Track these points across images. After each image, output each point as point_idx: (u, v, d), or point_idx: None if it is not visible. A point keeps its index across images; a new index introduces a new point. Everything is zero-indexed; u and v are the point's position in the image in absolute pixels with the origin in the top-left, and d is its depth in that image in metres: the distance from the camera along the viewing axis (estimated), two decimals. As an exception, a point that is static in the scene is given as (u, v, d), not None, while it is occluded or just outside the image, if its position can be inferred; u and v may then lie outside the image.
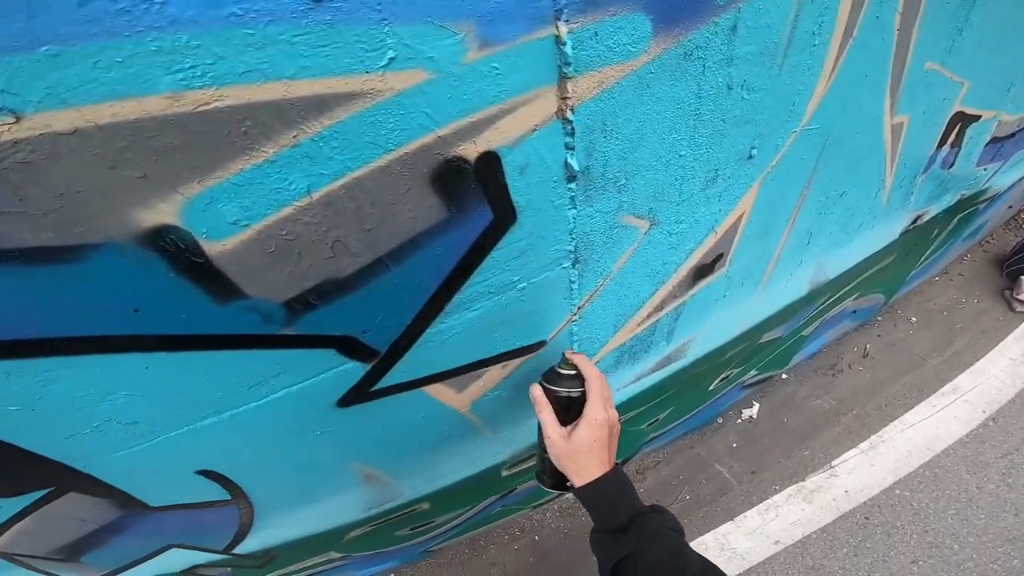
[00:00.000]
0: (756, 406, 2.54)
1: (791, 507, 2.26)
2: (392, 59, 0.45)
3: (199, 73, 0.40)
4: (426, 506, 1.50)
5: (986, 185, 1.82)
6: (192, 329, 0.58)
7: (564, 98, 0.57)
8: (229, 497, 0.98)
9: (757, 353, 1.89)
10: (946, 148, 1.30)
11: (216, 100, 0.42)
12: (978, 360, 2.49)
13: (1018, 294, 2.53)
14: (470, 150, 0.56)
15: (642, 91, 0.63)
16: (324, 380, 0.73)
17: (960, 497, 2.19)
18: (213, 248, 0.51)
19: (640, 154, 0.70)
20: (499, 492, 1.75)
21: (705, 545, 2.17)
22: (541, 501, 2.31)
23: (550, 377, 0.78)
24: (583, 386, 0.75)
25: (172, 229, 0.48)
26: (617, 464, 0.74)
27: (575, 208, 0.70)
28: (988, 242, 2.95)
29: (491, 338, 0.83)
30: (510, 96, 0.54)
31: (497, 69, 0.51)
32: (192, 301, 0.55)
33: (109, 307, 0.52)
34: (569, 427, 0.74)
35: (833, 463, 2.36)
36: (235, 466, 0.87)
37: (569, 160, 0.63)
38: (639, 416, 1.72)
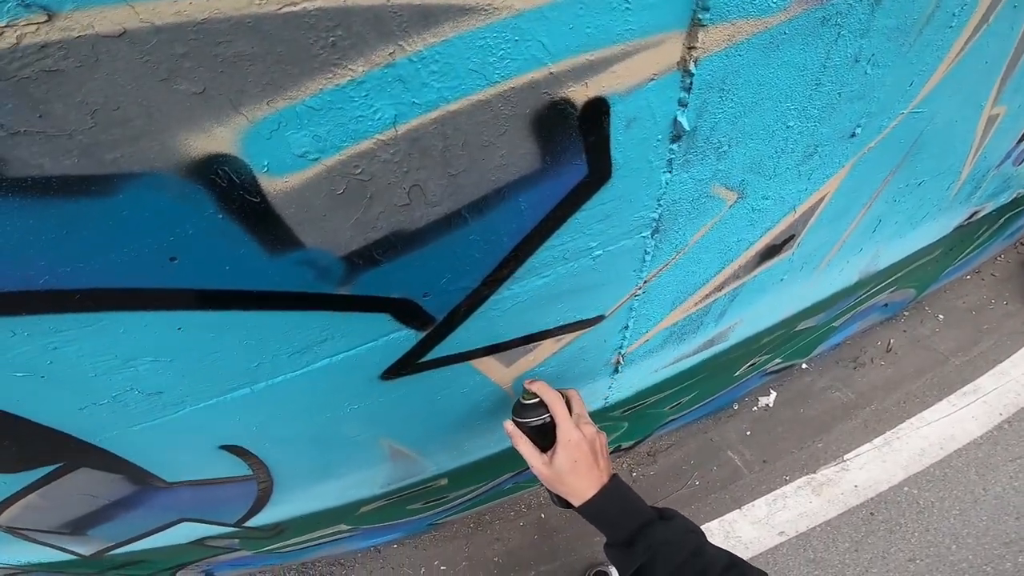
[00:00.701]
0: (773, 395, 2.51)
1: (799, 499, 2.27)
2: None
3: None
4: (444, 482, 1.48)
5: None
6: (236, 284, 0.50)
7: (691, 47, 0.49)
8: (250, 473, 0.93)
9: (790, 340, 1.84)
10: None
11: (306, 0, 0.33)
12: (1002, 362, 2.46)
13: (1054, 298, 2.48)
14: (579, 93, 0.47)
15: (770, 52, 0.54)
16: (372, 349, 0.66)
17: (966, 498, 2.20)
18: (273, 185, 0.43)
19: (750, 120, 0.61)
20: (516, 469, 1.73)
21: (711, 532, 2.18)
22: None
23: (517, 410, 0.78)
24: (548, 411, 0.75)
25: (227, 159, 0.40)
26: (614, 476, 0.73)
27: (670, 172, 0.62)
28: (1023, 243, 2.88)
29: (553, 309, 0.77)
30: (635, 36, 0.45)
31: (628, 3, 0.42)
32: (240, 250, 0.47)
33: (141, 254, 0.44)
34: (549, 453, 0.74)
35: (846, 457, 2.35)
36: (261, 441, 0.81)
37: (679, 118, 0.55)
38: (664, 399, 1.68)
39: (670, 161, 0.61)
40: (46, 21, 0.29)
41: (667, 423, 2.19)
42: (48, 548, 1.10)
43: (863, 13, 0.55)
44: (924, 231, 1.44)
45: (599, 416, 1.47)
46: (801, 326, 1.74)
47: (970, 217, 1.58)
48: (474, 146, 0.47)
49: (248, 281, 0.51)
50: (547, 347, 0.87)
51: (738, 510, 2.23)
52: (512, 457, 1.49)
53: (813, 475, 2.31)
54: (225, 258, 0.47)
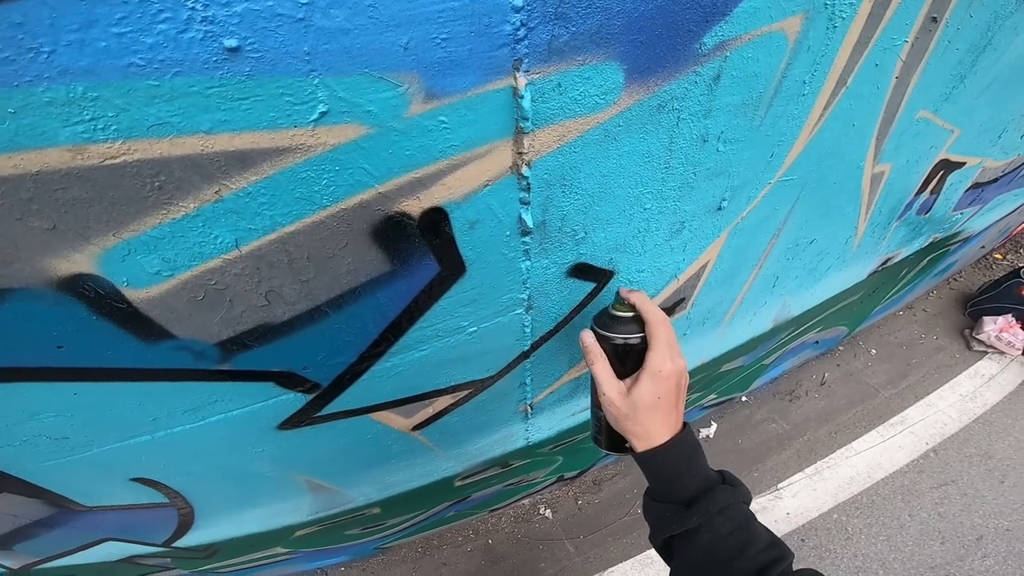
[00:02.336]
0: (714, 426, 2.60)
1: (735, 525, 2.34)
2: (324, 113, 0.42)
3: (101, 126, 0.37)
4: (377, 511, 1.50)
5: (961, 228, 1.86)
6: (119, 363, 0.55)
7: (520, 153, 0.54)
8: (167, 500, 0.96)
9: (716, 381, 1.92)
10: (925, 194, 1.31)
11: (123, 154, 0.38)
12: (929, 394, 2.60)
13: (977, 334, 2.63)
14: (414, 206, 0.53)
15: (607, 145, 0.59)
16: (264, 408, 0.71)
17: (892, 524, 2.30)
18: (136, 295, 0.48)
19: (602, 208, 0.68)
20: (452, 500, 1.76)
21: (651, 559, 2.25)
22: (497, 507, 2.34)
23: (603, 321, 0.67)
24: (643, 331, 0.64)
25: (90, 277, 0.45)
26: (686, 424, 0.65)
27: (529, 260, 0.68)
28: (956, 280, 3.04)
29: (440, 373, 0.82)
30: (459, 151, 0.51)
31: (445, 123, 0.48)
32: (117, 340, 0.52)
33: (32, 343, 0.49)
34: (628, 380, 0.64)
35: (779, 485, 2.45)
36: (172, 475, 0.85)
37: (523, 215, 0.61)
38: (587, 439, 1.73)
39: (527, 251, 0.67)
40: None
41: (606, 455, 2.24)
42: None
43: (701, 94, 0.59)
44: (832, 281, 1.53)
45: (526, 453, 1.52)
46: (725, 367, 1.82)
47: (884, 263, 1.68)
48: (319, 258, 0.52)
49: (130, 361, 0.55)
50: (444, 401, 0.92)
51: (677, 538, 2.29)
52: (442, 489, 1.53)
53: (749, 503, 2.39)
54: (105, 346, 0.52)
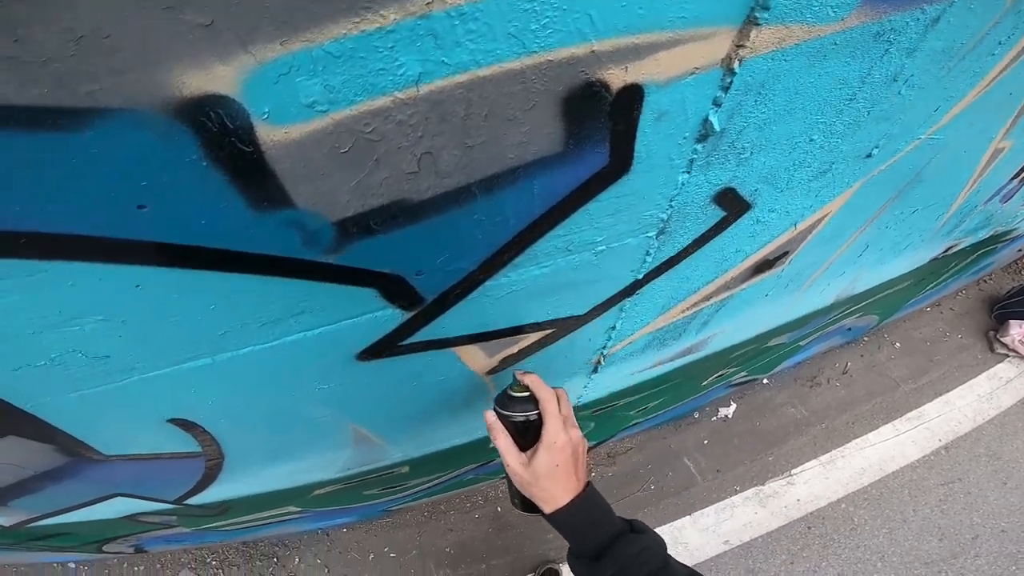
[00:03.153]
0: (733, 406, 2.59)
1: (746, 509, 2.36)
2: None
3: None
4: (405, 469, 1.45)
5: (1019, 224, 1.83)
6: (211, 241, 0.45)
7: (739, 46, 0.46)
8: (199, 450, 0.87)
9: (759, 355, 1.89)
10: (1015, 182, 1.27)
11: None
12: (948, 392, 2.62)
13: (1002, 336, 2.65)
14: (617, 77, 0.44)
15: (816, 61, 0.52)
16: (353, 326, 0.62)
17: (896, 518, 2.34)
18: (271, 134, 0.38)
19: (777, 128, 0.60)
20: (479, 461, 1.71)
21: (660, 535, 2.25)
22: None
23: (503, 401, 0.73)
24: (538, 407, 0.71)
25: (224, 101, 0.35)
26: (588, 484, 0.71)
27: (688, 173, 0.60)
28: (985, 281, 3.06)
29: (546, 302, 0.74)
30: (686, 26, 0.43)
31: None
32: (220, 204, 0.42)
33: (105, 199, 0.38)
34: (529, 452, 0.70)
35: (793, 471, 2.46)
36: (216, 417, 0.76)
37: (711, 117, 0.53)
38: (634, 402, 1.69)
39: (691, 161, 0.59)
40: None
41: (630, 426, 2.22)
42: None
43: (916, 32, 0.54)
44: (903, 261, 1.49)
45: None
46: (772, 342, 1.79)
47: (946, 250, 1.64)
48: (498, 118, 0.43)
49: (225, 239, 0.46)
50: (533, 340, 0.84)
51: (688, 516, 2.30)
52: (478, 449, 1.48)
53: (761, 487, 2.40)
54: (202, 211, 0.42)
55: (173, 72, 0.33)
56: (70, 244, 0.41)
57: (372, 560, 2.26)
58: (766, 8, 0.43)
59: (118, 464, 0.85)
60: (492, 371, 0.90)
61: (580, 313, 0.82)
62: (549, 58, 0.41)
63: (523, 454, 0.71)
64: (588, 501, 0.69)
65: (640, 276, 0.79)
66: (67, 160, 0.35)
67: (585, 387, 1.25)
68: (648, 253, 0.73)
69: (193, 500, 1.18)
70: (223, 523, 1.65)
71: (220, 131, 0.37)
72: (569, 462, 0.69)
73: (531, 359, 0.91)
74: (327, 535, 2.33)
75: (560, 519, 0.68)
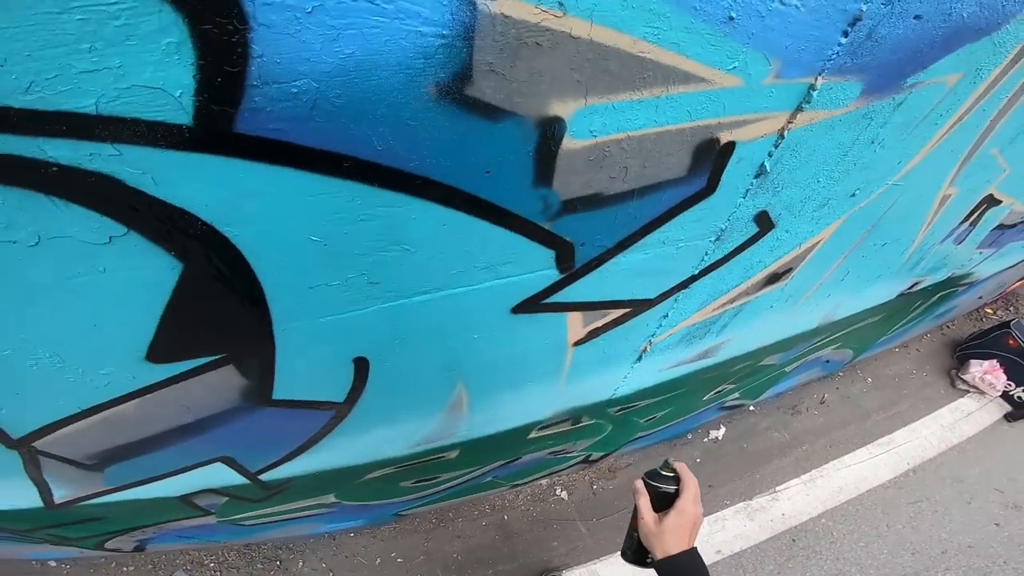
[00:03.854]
0: (723, 429, 3.01)
1: (736, 522, 2.73)
2: (736, 67, 0.73)
3: (656, 31, 0.65)
4: (454, 455, 1.74)
5: (974, 269, 2.36)
6: (502, 200, 0.77)
7: (789, 122, 0.87)
8: (341, 399, 1.14)
9: (753, 374, 2.31)
10: (965, 225, 1.75)
11: (646, 52, 0.66)
12: (915, 421, 3.12)
13: (963, 374, 3.19)
14: (725, 137, 0.84)
15: (827, 131, 0.93)
16: (528, 280, 0.95)
17: (871, 532, 2.76)
18: (568, 143, 0.72)
19: (799, 173, 1.01)
20: (513, 456, 2.02)
21: (657, 542, 2.58)
22: (521, 482, 2.60)
23: (652, 474, 1.04)
24: (678, 485, 1.00)
25: (557, 121, 0.69)
26: (694, 548, 0.96)
27: (744, 198, 1.00)
28: (948, 327, 3.65)
29: (634, 283, 1.11)
30: (766, 111, 0.82)
31: (772, 93, 0.79)
32: (521, 177, 0.75)
33: (469, 162, 0.68)
34: (660, 514, 0.97)
35: (777, 488, 2.87)
36: (386, 357, 1.04)
37: (766, 162, 0.94)
38: (649, 407, 2.06)
39: (747, 190, 0.99)
40: (561, 16, 0.61)
41: (636, 439, 2.58)
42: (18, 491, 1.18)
43: (889, 112, 0.95)
44: (875, 291, 1.96)
45: (600, 409, 1.83)
46: (766, 361, 2.21)
47: (912, 286, 2.13)
48: (664, 152, 0.81)
49: (510, 200, 0.78)
50: (614, 317, 1.21)
51: (684, 527, 2.65)
52: (518, 439, 1.80)
53: (749, 502, 2.79)
54: (512, 182, 0.75)
55: (547, 101, 0.66)
56: (435, 189, 0.70)
57: (379, 565, 2.48)
58: (808, 102, 0.84)
59: (263, 413, 1.09)
60: (578, 342, 1.26)
61: (651, 297, 1.20)
62: (697, 124, 0.80)
63: (656, 514, 0.98)
64: (692, 556, 0.94)
65: (696, 272, 1.18)
66: (480, 138, 0.67)
67: (625, 378, 1.61)
68: (706, 254, 1.12)
69: (271, 474, 1.43)
70: (258, 513, 1.86)
71: (546, 136, 0.71)
72: (689, 527, 0.96)
73: (606, 335, 1.27)
74: (333, 539, 2.54)
75: (668, 563, 0.93)
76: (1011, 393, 3.08)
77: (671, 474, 1.03)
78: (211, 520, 1.85)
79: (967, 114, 1.12)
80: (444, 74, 0.57)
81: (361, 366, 1.06)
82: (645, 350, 1.46)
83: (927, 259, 1.90)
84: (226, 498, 1.63)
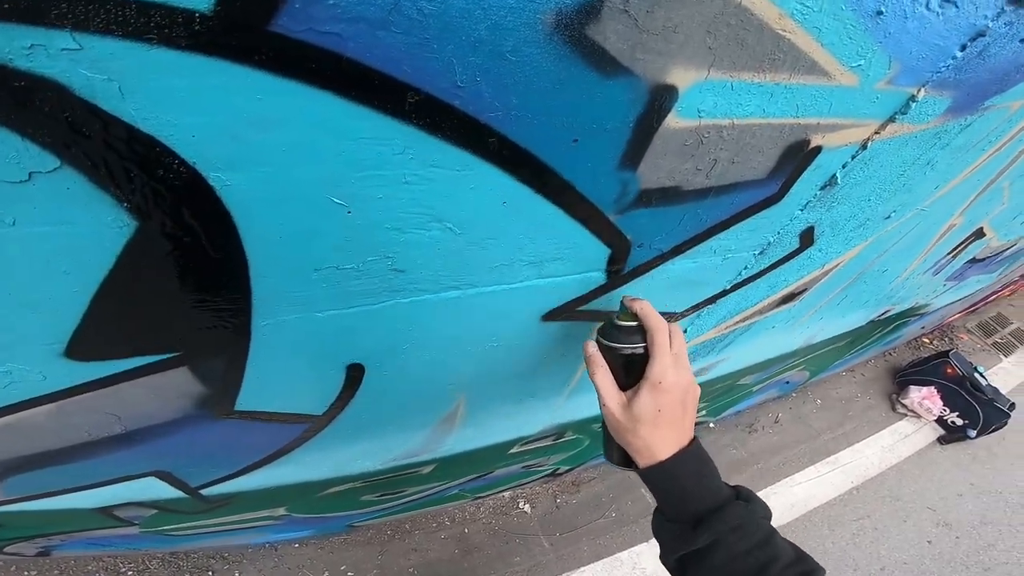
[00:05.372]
0: (685, 442, 2.96)
1: (695, 537, 2.67)
2: (859, 65, 0.60)
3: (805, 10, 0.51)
4: (428, 469, 1.55)
5: (933, 300, 2.40)
6: (578, 179, 0.61)
7: (876, 132, 0.76)
8: (321, 413, 0.93)
9: (727, 393, 2.25)
10: (948, 256, 1.74)
11: (787, 32, 0.52)
12: (858, 442, 3.18)
13: (903, 399, 3.30)
14: (816, 140, 0.71)
15: (900, 147, 0.83)
16: (573, 282, 0.79)
17: (818, 549, 2.76)
18: (673, 121, 0.58)
19: (858, 189, 0.90)
20: (487, 470, 1.85)
21: (620, 561, 2.47)
22: (484, 494, 2.42)
23: (606, 330, 0.69)
24: (646, 340, 0.66)
25: (671, 90, 0.54)
26: (695, 439, 0.65)
27: (802, 210, 0.89)
28: (890, 354, 3.79)
29: (668, 295, 0.96)
30: (864, 117, 0.71)
31: (877, 98, 0.68)
32: (611, 153, 0.59)
33: (557, 126, 0.53)
34: (630, 392, 0.65)
35: (735, 505, 2.84)
36: (383, 367, 0.85)
37: (838, 173, 0.82)
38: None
39: (807, 203, 0.87)
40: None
41: (600, 455, 2.46)
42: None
43: (955, 134, 0.87)
44: (855, 316, 1.93)
45: (584, 424, 1.69)
46: (742, 381, 2.15)
47: (882, 314, 2.13)
48: (755, 149, 0.68)
49: (584, 180, 0.61)
50: (636, 331, 1.07)
51: (646, 543, 2.55)
52: (497, 454, 1.62)
53: (710, 518, 2.74)
54: (596, 155, 0.58)
55: (667, 68, 0.51)
56: (508, 153, 0.52)
57: (327, 579, 2.24)
58: (904, 113, 0.73)
59: (218, 426, 0.85)
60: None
61: (678, 311, 1.06)
62: (801, 122, 0.67)
63: (623, 393, 0.65)
64: (693, 457, 0.63)
65: (728, 287, 1.06)
66: (585, 97, 0.50)
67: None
68: (745, 267, 1.00)
69: (216, 489, 1.19)
70: (191, 524, 1.61)
71: (652, 107, 0.55)
72: (675, 407, 0.63)
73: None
74: (275, 549, 2.27)
75: (657, 475, 0.62)
76: (946, 418, 3.20)
77: (633, 323, 0.68)
78: (133, 531, 1.58)
79: (1007, 143, 1.06)
80: (571, 0, 0.40)
81: (354, 374, 0.86)
82: (652, 367, 1.32)
83: (907, 288, 1.89)
84: (155, 511, 1.37)
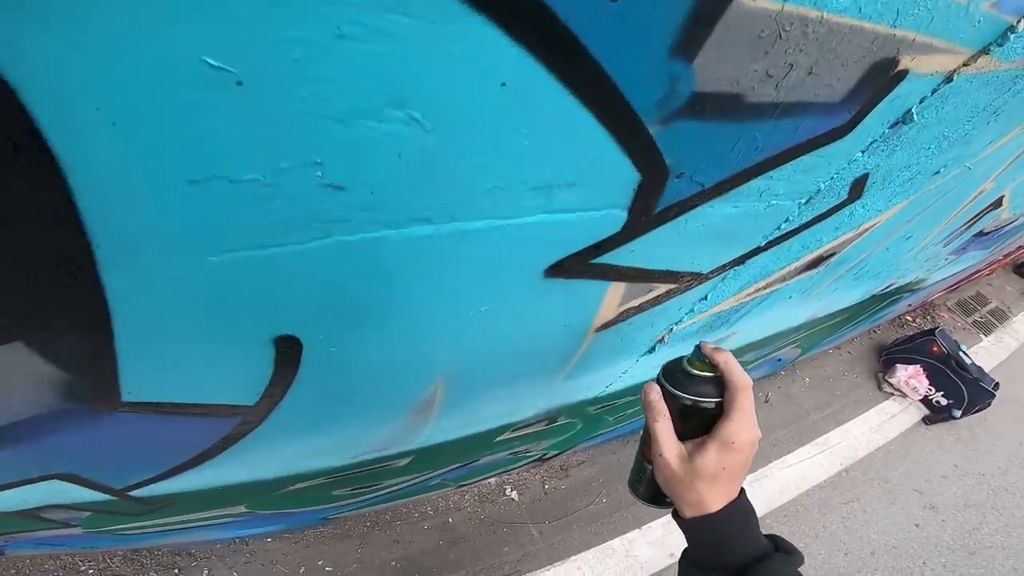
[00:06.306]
0: (675, 424, 2.86)
1: (686, 522, 2.59)
2: None
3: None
4: (404, 462, 1.39)
5: (931, 274, 2.33)
6: (611, 63, 0.43)
7: (965, 64, 0.63)
8: (254, 404, 0.73)
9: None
10: (965, 226, 1.65)
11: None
12: (847, 422, 3.14)
13: (889, 377, 3.26)
14: (905, 61, 0.57)
15: (981, 86, 0.70)
16: (589, 221, 0.62)
17: (809, 533, 2.72)
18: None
19: (925, 132, 0.77)
20: (472, 459, 1.70)
21: (612, 549, 2.37)
22: (468, 482, 2.28)
23: (675, 377, 0.61)
24: (721, 396, 0.59)
25: None
26: (742, 491, 0.61)
27: (863, 152, 0.75)
28: (875, 332, 3.75)
29: (699, 249, 0.81)
30: (959, 43, 0.59)
31: (979, 22, 0.56)
32: (663, 29, 0.43)
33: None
34: (690, 444, 0.59)
35: (727, 488, 2.77)
36: (331, 342, 0.65)
37: (913, 109, 0.69)
38: (625, 405, 1.81)
39: (872, 143, 0.74)
40: None
41: (598, 435, 2.34)
42: None
43: None
44: (864, 288, 1.83)
45: (580, 408, 1.55)
46: (743, 358, 2.05)
47: (886, 287, 2.04)
48: (838, 60, 0.53)
49: (621, 65, 0.44)
50: (657, 292, 0.93)
51: (638, 530, 2.45)
52: (483, 442, 1.47)
53: (701, 502, 2.66)
54: (643, 30, 0.42)
55: None
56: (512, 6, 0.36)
57: (303, 574, 2.08)
58: (1000, 45, 0.60)
59: (113, 420, 0.65)
60: (603, 326, 0.96)
61: (704, 271, 0.92)
62: (896, 33, 0.52)
63: (682, 445, 0.60)
64: (740, 509, 0.59)
65: (762, 243, 0.92)
66: None
67: (624, 373, 1.34)
68: (787, 220, 0.86)
69: (148, 491, 1.00)
70: (140, 524, 1.43)
71: None
72: (739, 467, 0.58)
73: (634, 319, 0.99)
74: (246, 544, 2.10)
75: (700, 527, 0.59)
76: (931, 398, 3.18)
77: (707, 373, 0.60)
78: (77, 531, 1.39)
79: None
80: None
81: (288, 351, 0.64)
82: (663, 340, 1.19)
83: (918, 260, 1.80)
84: (88, 512, 1.19)
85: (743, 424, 0.57)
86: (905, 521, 2.82)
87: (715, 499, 0.58)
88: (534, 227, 0.59)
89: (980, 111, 0.80)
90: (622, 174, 0.57)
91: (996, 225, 1.91)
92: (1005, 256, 3.43)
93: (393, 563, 2.15)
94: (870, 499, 2.87)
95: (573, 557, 2.31)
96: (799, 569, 0.58)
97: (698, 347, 0.63)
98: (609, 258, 0.73)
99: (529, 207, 0.56)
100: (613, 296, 0.86)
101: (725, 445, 0.57)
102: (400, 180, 0.45)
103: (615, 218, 0.65)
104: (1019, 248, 3.34)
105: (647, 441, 0.63)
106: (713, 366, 0.60)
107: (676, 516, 0.62)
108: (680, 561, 0.63)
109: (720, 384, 0.59)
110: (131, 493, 1.00)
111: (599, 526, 2.43)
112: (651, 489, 0.65)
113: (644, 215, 0.67)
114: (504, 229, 0.57)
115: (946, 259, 2.13)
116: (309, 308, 0.58)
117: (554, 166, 0.52)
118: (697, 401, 0.59)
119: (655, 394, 0.62)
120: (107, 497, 1.00)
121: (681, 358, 0.64)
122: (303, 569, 2.07)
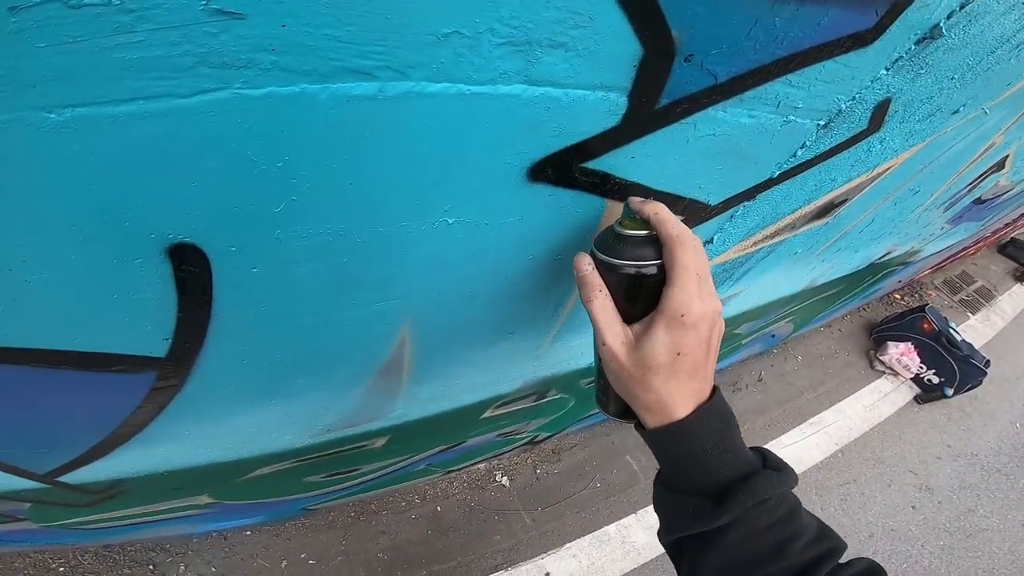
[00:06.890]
0: (668, 404, 2.81)
1: (683, 505, 2.54)
2: None
3: None
4: (380, 443, 1.29)
5: (926, 245, 2.30)
6: None
7: None
8: (165, 355, 0.56)
9: (725, 342, 2.08)
10: (968, 188, 1.61)
11: None
12: (840, 401, 3.12)
13: (881, 355, 3.24)
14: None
15: (1011, 8, 0.64)
16: (580, 101, 0.50)
17: (807, 517, 2.70)
18: None
19: (950, 57, 0.70)
20: (457, 441, 1.61)
21: (608, 535, 2.30)
22: (455, 468, 2.19)
23: (606, 242, 0.51)
24: (660, 256, 0.48)
25: None
26: (715, 389, 0.51)
27: (887, 70, 0.67)
28: (865, 310, 3.73)
29: (708, 167, 0.69)
30: None
31: None
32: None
33: None
34: (638, 326, 0.48)
35: (722, 470, 2.72)
36: (234, 256, 0.47)
37: (942, 23, 0.61)
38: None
39: (897, 59, 0.66)
40: None
41: (585, 418, 2.27)
42: None
43: None
44: (862, 255, 1.78)
45: (570, 380, 1.47)
46: (739, 329, 1.99)
47: (883, 256, 2.00)
48: None
49: None
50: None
51: (634, 515, 2.39)
52: (468, 419, 1.38)
53: (697, 485, 2.61)
54: None
55: None
56: None
57: (285, 568, 1.98)
58: None
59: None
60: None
61: (712, 203, 0.84)
62: None
63: (628, 328, 0.49)
64: (714, 413, 0.49)
65: (775, 174, 0.84)
66: None
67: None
68: (804, 145, 0.79)
69: (78, 476, 0.88)
70: (96, 518, 1.32)
71: None
72: (699, 348, 0.47)
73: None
74: (224, 538, 1.99)
75: (668, 438, 0.48)
76: (922, 376, 3.17)
77: (643, 232, 0.49)
78: (31, 525, 1.28)
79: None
80: None
81: (191, 272, 0.47)
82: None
83: (919, 223, 1.75)
84: (27, 504, 1.07)
85: (691, 291, 0.45)
86: (902, 503, 2.80)
87: (678, 400, 0.47)
88: (511, 101, 0.46)
89: (1005, 41, 0.74)
90: (621, 42, 0.46)
91: (994, 192, 1.88)
92: (992, 234, 3.44)
93: (380, 555, 2.06)
94: (866, 480, 2.84)
95: (567, 544, 2.23)
96: (790, 490, 0.51)
97: (626, 203, 0.52)
98: (606, 164, 0.59)
99: (503, 70, 0.42)
100: (614, 211, 0.77)
101: (674, 320, 0.45)
102: (324, 6, 0.32)
103: (613, 104, 0.52)
104: (1006, 225, 3.35)
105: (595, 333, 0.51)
106: (645, 221, 0.49)
107: (639, 427, 0.51)
108: (654, 485, 0.53)
109: (656, 244, 0.49)
110: (61, 479, 0.88)
111: (594, 512, 2.37)
112: (617, 400, 0.53)
113: (647, 106, 0.55)
114: (472, 99, 0.43)
115: (942, 228, 2.09)
116: (206, 200, 0.40)
117: (535, 13, 0.40)
118: (634, 265, 0.48)
119: (586, 264, 0.50)
120: (37, 484, 0.89)
121: (611, 225, 0.53)
122: (285, 563, 1.97)
